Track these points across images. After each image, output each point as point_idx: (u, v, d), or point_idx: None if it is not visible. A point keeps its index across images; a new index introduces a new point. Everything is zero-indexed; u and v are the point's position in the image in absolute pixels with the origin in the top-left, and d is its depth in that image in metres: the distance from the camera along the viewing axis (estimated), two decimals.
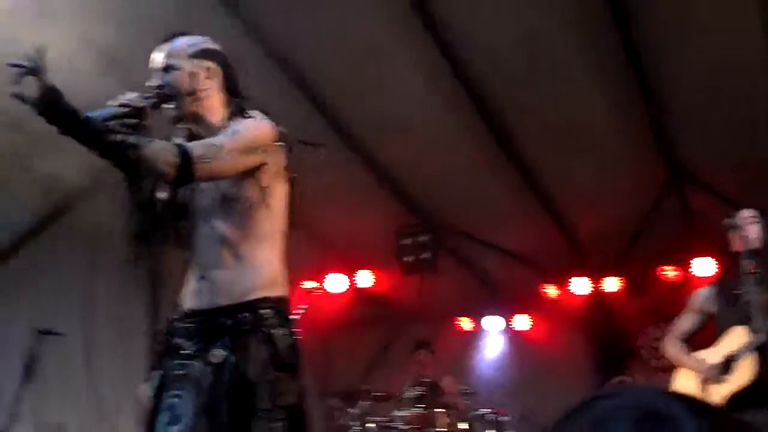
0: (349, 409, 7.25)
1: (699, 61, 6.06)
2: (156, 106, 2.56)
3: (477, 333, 9.84)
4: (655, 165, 7.38)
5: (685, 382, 4.45)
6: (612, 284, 8.96)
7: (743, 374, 4.10)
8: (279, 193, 2.66)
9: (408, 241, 8.39)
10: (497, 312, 9.68)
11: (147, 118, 2.45)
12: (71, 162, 5.59)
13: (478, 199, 7.81)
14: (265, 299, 2.51)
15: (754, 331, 4.07)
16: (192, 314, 2.56)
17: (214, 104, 2.70)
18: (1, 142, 5.19)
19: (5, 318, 6.33)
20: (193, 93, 2.65)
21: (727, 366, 4.20)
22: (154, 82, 2.64)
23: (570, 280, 9.00)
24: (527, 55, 6.12)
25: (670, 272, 8.66)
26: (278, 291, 2.56)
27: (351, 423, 7.05)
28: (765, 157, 6.83)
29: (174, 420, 2.38)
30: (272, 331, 2.46)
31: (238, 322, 2.45)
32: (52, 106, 2.22)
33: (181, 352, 2.49)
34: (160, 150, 2.38)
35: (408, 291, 8.94)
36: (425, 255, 8.30)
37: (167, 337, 2.60)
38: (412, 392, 7.67)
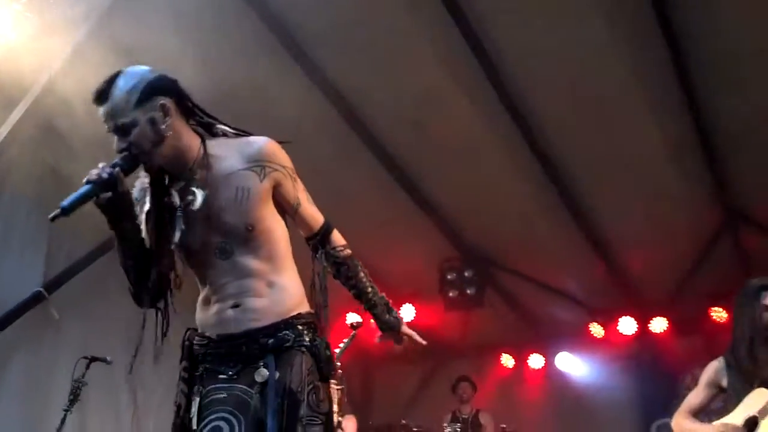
0: None
1: (756, 104, 6.00)
2: (127, 172, 2.41)
3: (519, 370, 9.72)
4: (709, 206, 7.30)
5: None
6: (660, 325, 8.81)
7: None
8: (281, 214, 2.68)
9: (453, 275, 8.34)
10: (541, 350, 9.58)
11: (122, 185, 2.37)
12: None
13: (526, 236, 7.77)
14: (299, 315, 2.57)
15: None
16: (224, 339, 2.54)
17: (184, 138, 2.51)
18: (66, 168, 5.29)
19: (56, 343, 6.39)
20: (161, 140, 2.44)
21: (750, 426, 4.10)
22: (117, 146, 2.43)
23: (616, 319, 8.87)
24: (584, 97, 6.11)
25: (720, 314, 8.50)
26: (307, 307, 2.63)
27: None
28: None
29: None
30: (312, 344, 2.54)
31: (280, 340, 2.49)
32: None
33: (219, 376, 2.50)
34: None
35: (451, 326, 8.87)
36: (470, 290, 8.23)
37: (190, 363, 2.59)
38: (451, 427, 7.62)
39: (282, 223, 2.63)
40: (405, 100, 6.26)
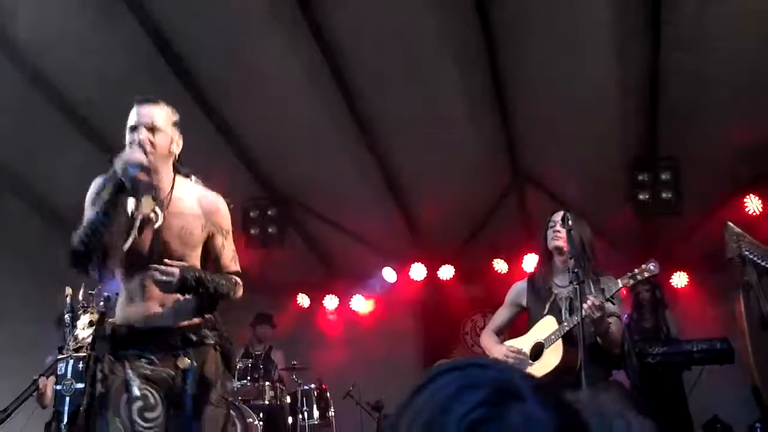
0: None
1: (549, 72, 6.44)
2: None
3: (314, 310, 9.98)
4: (501, 165, 7.77)
5: None
6: (447, 272, 9.35)
7: (552, 359, 4.40)
8: None
9: (255, 213, 8.35)
10: (336, 291, 9.87)
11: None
12: None
13: (329, 179, 7.92)
14: (209, 320, 3.36)
15: (561, 321, 4.38)
16: (150, 330, 3.25)
17: (170, 164, 3.35)
18: None
19: None
20: (168, 155, 3.30)
21: (537, 352, 4.52)
22: (142, 135, 3.19)
23: (409, 265, 9.31)
24: (394, 48, 6.27)
25: (501, 265, 9.14)
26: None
27: None
28: (604, 171, 7.36)
29: (150, 408, 3.15)
30: (223, 343, 3.36)
31: (202, 337, 3.29)
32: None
33: (142, 358, 3.20)
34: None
35: (250, 263, 8.88)
36: (272, 229, 8.30)
37: (111, 344, 3.20)
38: (243, 363, 7.70)
39: None
40: (221, 32, 6.13)
